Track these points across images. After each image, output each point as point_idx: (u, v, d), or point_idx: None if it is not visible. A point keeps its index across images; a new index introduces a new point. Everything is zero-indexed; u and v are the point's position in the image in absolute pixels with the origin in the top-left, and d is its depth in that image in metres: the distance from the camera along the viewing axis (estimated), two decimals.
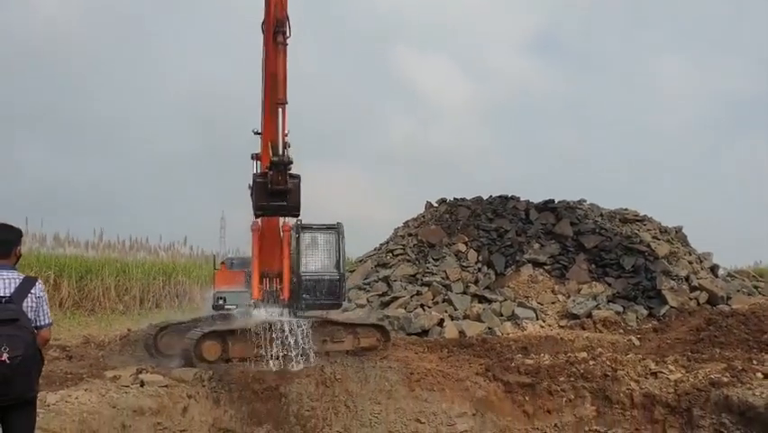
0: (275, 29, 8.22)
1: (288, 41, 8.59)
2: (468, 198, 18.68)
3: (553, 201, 17.93)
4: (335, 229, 11.39)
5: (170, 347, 10.70)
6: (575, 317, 13.92)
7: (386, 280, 15.72)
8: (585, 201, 18.40)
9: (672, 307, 13.99)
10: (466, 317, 14.12)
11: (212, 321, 10.75)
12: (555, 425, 9.10)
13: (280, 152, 8.92)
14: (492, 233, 16.59)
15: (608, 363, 9.51)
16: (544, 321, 13.93)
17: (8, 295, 4.44)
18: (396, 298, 14.83)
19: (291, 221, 10.62)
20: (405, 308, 14.49)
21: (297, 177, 9.40)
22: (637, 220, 17.67)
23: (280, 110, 8.81)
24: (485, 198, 18.69)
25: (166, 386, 8.02)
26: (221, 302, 10.59)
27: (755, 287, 16.17)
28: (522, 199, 18.31)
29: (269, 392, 8.94)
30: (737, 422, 7.53)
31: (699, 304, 14.40)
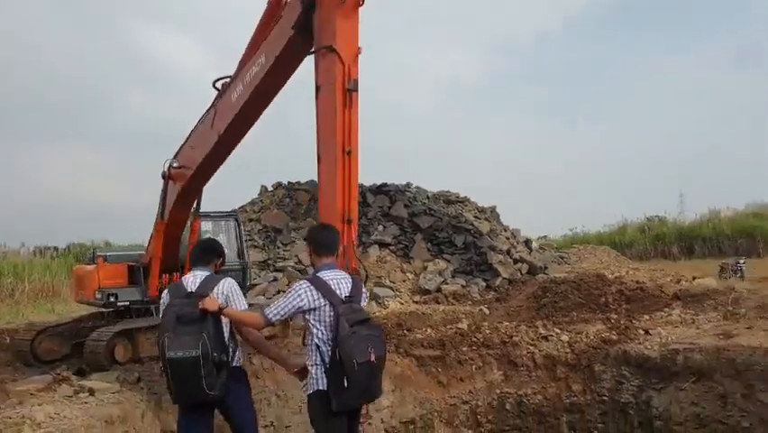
0: (349, 89, 5.92)
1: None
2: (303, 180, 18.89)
3: (385, 184, 18.89)
4: (233, 216, 11.11)
5: (52, 353, 9.66)
6: (427, 292, 15.04)
7: None
8: (412, 184, 19.65)
9: (504, 278, 15.75)
10: None
11: (109, 320, 9.90)
12: (470, 391, 9.99)
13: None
14: None
15: (502, 330, 10.65)
16: (401, 298, 14.82)
17: (350, 294, 4.32)
18: (253, 285, 14.64)
19: None
20: (264, 295, 14.41)
21: None
22: (459, 201, 19.37)
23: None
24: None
25: (118, 392, 7.34)
26: (112, 299, 9.77)
27: (561, 257, 18.82)
28: None
29: None
30: (635, 373, 9.02)
31: (521, 274, 16.38)
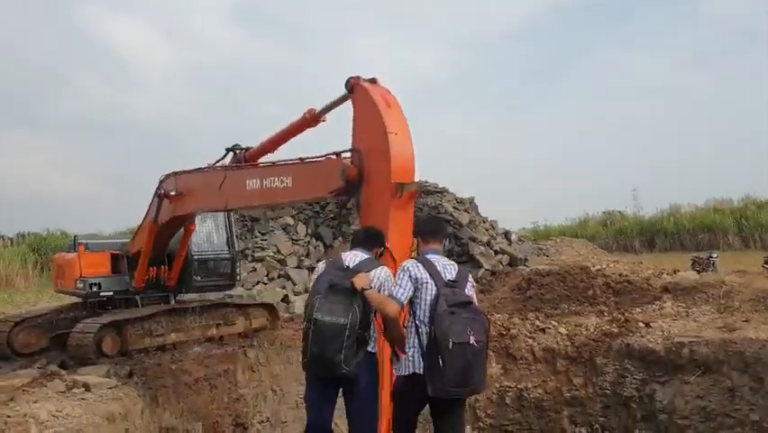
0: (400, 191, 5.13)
1: None
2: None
3: None
4: None
5: (30, 346, 9.11)
6: None
7: None
8: None
9: (486, 269, 15.63)
10: (307, 290, 14.10)
11: (90, 311, 9.38)
12: None
13: None
14: (315, 205, 16.66)
15: (499, 324, 10.46)
16: None
17: (454, 279, 4.17)
18: None
19: None
20: (242, 286, 13.95)
21: None
22: (437, 192, 19.14)
23: None
24: None
25: (115, 387, 6.89)
26: (95, 289, 9.25)
27: (540, 249, 18.79)
28: None
29: (199, 384, 8.17)
30: (638, 366, 8.94)
31: (503, 266, 16.29)
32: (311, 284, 4.48)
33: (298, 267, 14.82)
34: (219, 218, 10.24)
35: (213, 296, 10.59)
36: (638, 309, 11.00)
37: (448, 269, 4.28)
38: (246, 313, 10.17)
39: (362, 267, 4.36)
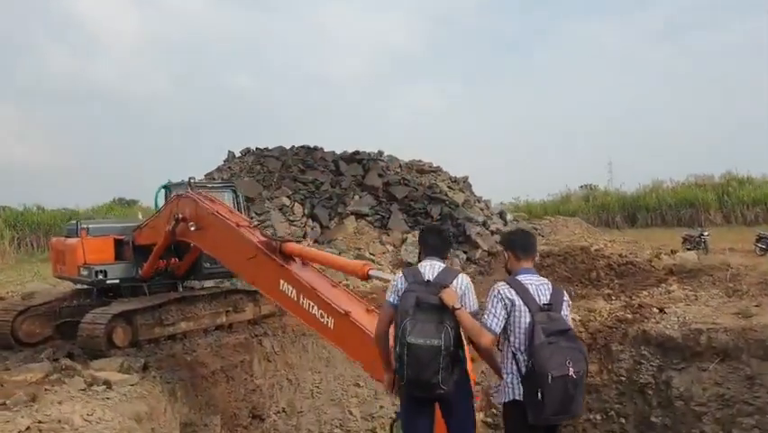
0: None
1: None
2: (270, 147, 18.06)
3: (358, 152, 18.27)
4: (230, 187, 10.40)
5: (34, 335, 8.83)
6: (409, 264, 14.63)
7: None
8: (384, 153, 19.09)
9: (484, 250, 15.54)
10: None
11: (93, 299, 9.09)
12: (481, 371, 9.68)
13: None
14: (310, 185, 16.39)
15: None
16: (383, 272, 14.38)
17: (548, 302, 3.89)
18: None
19: None
20: None
21: None
22: (432, 171, 18.97)
23: None
24: (286, 147, 18.26)
25: (137, 384, 6.66)
26: (101, 277, 8.94)
27: (534, 229, 18.71)
28: (323, 150, 18.30)
29: (216, 376, 7.98)
30: (655, 353, 8.93)
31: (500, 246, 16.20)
32: (389, 296, 4.23)
33: None
34: (227, 202, 9.95)
35: (209, 283, 10.37)
36: (645, 293, 11.01)
37: (542, 290, 4.01)
38: (255, 300, 9.94)
39: (443, 279, 4.14)
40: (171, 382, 7.35)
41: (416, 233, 15.88)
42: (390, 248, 15.36)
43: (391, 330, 4.19)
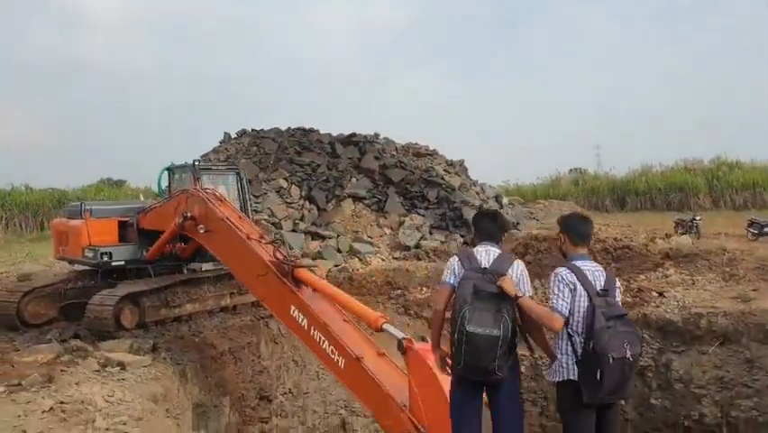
0: None
1: None
2: (265, 128, 17.98)
3: (354, 135, 18.24)
4: (235, 170, 10.37)
5: (40, 316, 8.82)
6: (407, 248, 14.72)
7: None
8: (380, 135, 19.07)
9: None
10: (305, 255, 13.93)
11: (98, 280, 9.08)
12: None
13: None
14: (306, 168, 16.37)
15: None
16: (381, 254, 14.46)
17: (604, 287, 4.06)
18: None
19: None
20: None
21: None
22: (428, 154, 18.98)
23: None
24: (282, 129, 18.19)
25: (150, 365, 6.70)
26: (106, 258, 8.94)
27: (530, 213, 18.86)
28: (318, 132, 18.25)
29: (224, 357, 8.03)
30: (655, 336, 9.08)
31: None
32: (448, 276, 4.24)
33: (294, 231, 14.60)
34: (231, 185, 9.96)
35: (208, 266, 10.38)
36: (642, 277, 11.13)
37: (597, 276, 4.15)
38: None
39: (500, 266, 4.19)
40: (182, 364, 7.39)
41: (413, 216, 15.97)
42: (388, 231, 15.41)
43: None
